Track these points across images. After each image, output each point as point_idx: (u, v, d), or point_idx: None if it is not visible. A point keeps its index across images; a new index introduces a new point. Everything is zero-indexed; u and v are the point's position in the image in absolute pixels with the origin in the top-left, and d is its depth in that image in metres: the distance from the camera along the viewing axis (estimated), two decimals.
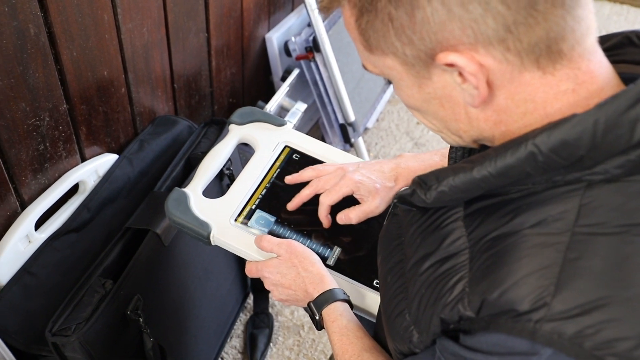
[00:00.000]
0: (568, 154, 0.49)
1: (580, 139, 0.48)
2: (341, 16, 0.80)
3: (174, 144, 1.32)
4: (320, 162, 1.03)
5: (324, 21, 1.69)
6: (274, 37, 1.72)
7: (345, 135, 1.87)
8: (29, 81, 0.97)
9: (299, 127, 1.74)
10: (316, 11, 1.60)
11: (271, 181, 1.00)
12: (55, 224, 1.12)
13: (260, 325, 1.59)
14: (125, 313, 1.06)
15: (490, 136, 0.57)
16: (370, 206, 0.89)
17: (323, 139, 1.81)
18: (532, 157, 0.50)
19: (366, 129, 2.17)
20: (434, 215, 0.61)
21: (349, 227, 0.92)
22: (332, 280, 0.83)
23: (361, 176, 0.90)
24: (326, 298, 0.81)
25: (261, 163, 1.01)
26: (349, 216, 0.90)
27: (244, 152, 1.45)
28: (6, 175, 1.00)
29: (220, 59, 1.53)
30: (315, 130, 2.05)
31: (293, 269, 0.84)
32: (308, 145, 1.05)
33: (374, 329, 0.82)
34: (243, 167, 1.01)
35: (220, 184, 1.25)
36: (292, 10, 1.85)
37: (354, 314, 0.82)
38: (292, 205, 0.95)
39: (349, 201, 0.91)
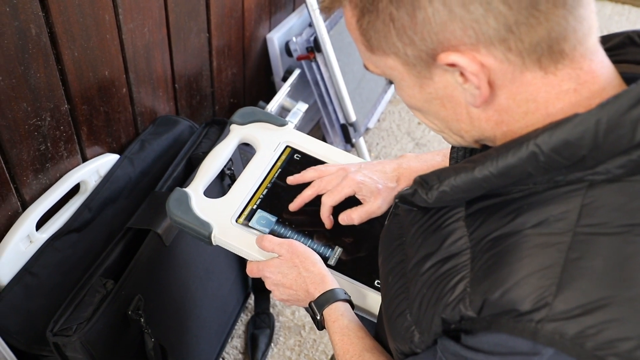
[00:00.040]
0: (570, 153, 0.49)
1: (582, 139, 0.48)
2: (342, 16, 0.80)
3: (175, 144, 1.32)
4: (321, 162, 1.03)
5: (325, 21, 1.69)
6: (275, 38, 1.72)
7: (346, 136, 1.87)
8: (30, 81, 0.97)
9: (300, 127, 1.74)
10: (317, 11, 1.60)
11: (272, 181, 1.00)
12: (57, 224, 1.12)
13: (261, 326, 1.59)
14: (126, 313, 1.06)
15: (491, 136, 0.57)
16: (373, 207, 0.89)
17: (324, 139, 1.81)
18: (534, 157, 0.50)
19: (367, 129, 2.17)
20: (436, 215, 0.61)
21: (350, 228, 0.92)
22: (334, 280, 0.83)
23: (363, 177, 0.90)
24: (327, 298, 0.81)
25: (262, 163, 1.01)
26: (351, 217, 0.90)
27: (245, 152, 1.45)
28: (7, 175, 1.00)
29: (221, 59, 1.53)
30: (316, 130, 2.05)
31: (294, 268, 0.84)
32: (309, 145, 1.05)
33: (375, 329, 0.82)
34: (244, 167, 1.01)
35: (222, 184, 1.25)
36: (294, 10, 1.85)
37: (355, 314, 0.82)
38: (294, 205, 0.95)
39: (351, 202, 0.91)
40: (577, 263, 0.48)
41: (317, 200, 0.93)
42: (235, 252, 0.92)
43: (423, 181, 0.59)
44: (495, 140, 0.57)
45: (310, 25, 1.70)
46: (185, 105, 1.46)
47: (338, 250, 0.93)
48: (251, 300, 1.66)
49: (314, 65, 1.73)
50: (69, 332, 0.96)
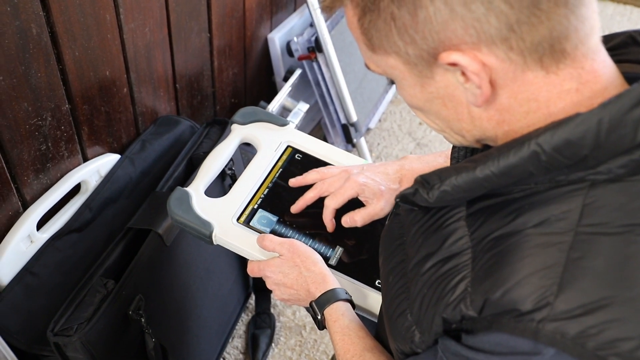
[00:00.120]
0: (571, 153, 0.49)
1: (584, 139, 0.48)
2: (344, 16, 0.80)
3: (176, 144, 1.32)
4: (322, 162, 1.03)
5: (326, 21, 1.69)
6: (277, 37, 1.72)
7: (348, 136, 1.87)
8: (31, 81, 0.97)
9: (301, 127, 1.74)
10: (318, 11, 1.60)
11: (273, 181, 1.00)
12: (57, 224, 1.12)
13: (262, 326, 1.59)
14: (127, 313, 1.06)
15: (493, 136, 0.57)
16: (375, 208, 0.89)
17: (325, 139, 1.81)
18: (535, 156, 0.50)
19: (368, 129, 2.17)
20: (436, 215, 0.61)
21: (351, 228, 0.92)
22: (334, 280, 0.83)
23: (366, 178, 0.90)
24: (328, 298, 0.80)
25: (263, 163, 1.01)
26: (354, 219, 0.90)
27: (246, 152, 1.45)
28: (8, 175, 1.00)
29: (222, 59, 1.53)
30: (317, 130, 2.05)
31: (295, 268, 0.84)
32: (310, 145, 1.05)
33: (376, 328, 0.82)
34: (245, 167, 1.01)
35: (223, 184, 1.25)
36: (295, 10, 1.85)
37: (356, 314, 0.82)
38: (296, 207, 0.94)
39: (353, 203, 0.91)
40: (579, 263, 0.48)
41: (319, 203, 0.93)
42: (236, 252, 0.92)
43: (424, 181, 0.59)
44: (497, 140, 0.57)
45: (312, 25, 1.70)
46: (186, 105, 1.46)
47: (339, 250, 0.92)
48: (252, 300, 1.66)
49: (315, 65, 1.73)
50: (69, 332, 0.96)
